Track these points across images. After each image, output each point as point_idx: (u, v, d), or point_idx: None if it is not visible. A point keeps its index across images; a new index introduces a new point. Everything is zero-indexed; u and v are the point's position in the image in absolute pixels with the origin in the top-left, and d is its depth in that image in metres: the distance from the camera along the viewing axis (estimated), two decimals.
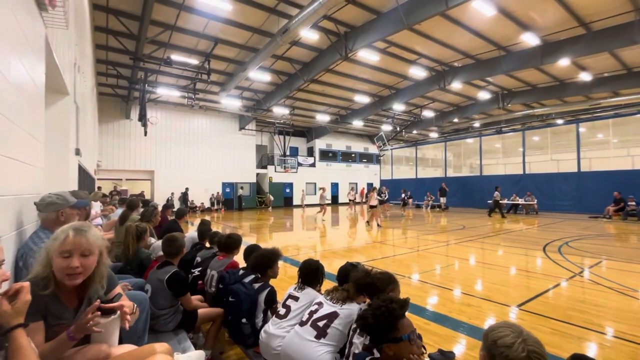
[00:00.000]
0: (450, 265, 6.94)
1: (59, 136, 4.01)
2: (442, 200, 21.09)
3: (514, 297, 4.58)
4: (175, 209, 6.61)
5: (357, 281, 1.94)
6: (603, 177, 16.11)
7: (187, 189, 20.84)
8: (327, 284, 2.58)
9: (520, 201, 18.05)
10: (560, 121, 20.68)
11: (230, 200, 23.55)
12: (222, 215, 19.79)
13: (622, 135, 17.70)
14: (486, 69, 15.42)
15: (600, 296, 4.57)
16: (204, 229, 3.97)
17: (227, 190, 23.53)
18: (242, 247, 3.39)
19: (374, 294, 1.87)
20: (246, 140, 24.27)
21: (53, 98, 3.97)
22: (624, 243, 9.83)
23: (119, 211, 5.32)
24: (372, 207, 13.04)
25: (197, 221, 8.75)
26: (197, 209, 21.36)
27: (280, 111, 20.91)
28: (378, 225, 12.12)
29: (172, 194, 20.51)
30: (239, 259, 3.25)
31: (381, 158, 30.17)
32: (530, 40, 12.44)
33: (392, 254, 7.96)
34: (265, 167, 25.71)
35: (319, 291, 2.45)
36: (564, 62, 13.55)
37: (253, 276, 2.62)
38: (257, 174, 25.71)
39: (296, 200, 24.97)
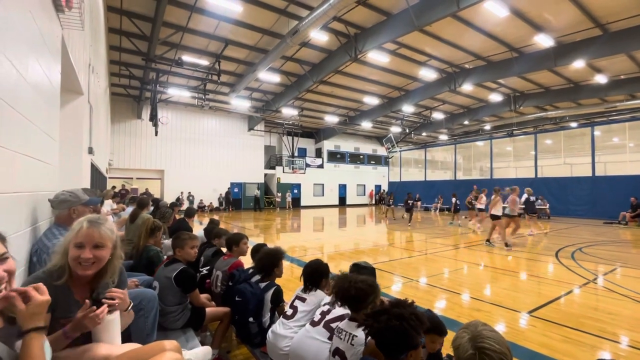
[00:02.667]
0: (459, 269, 6.86)
1: (73, 135, 4.09)
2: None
3: (525, 303, 4.49)
4: (184, 208, 6.70)
5: (336, 293, 1.88)
6: (619, 182, 15.71)
7: (190, 193, 21.09)
8: None
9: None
10: (574, 124, 20.25)
11: (239, 200, 23.69)
12: (230, 214, 19.93)
13: (639, 139, 17.24)
14: (498, 71, 15.22)
15: (615, 304, 4.46)
16: (212, 228, 4.00)
17: (236, 190, 23.68)
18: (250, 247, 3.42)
19: (354, 304, 1.80)
20: (255, 141, 24.40)
21: (68, 97, 4.06)
22: (638, 250, 9.57)
23: (130, 209, 5.40)
24: (494, 217, 8.86)
25: (206, 220, 8.82)
26: (206, 208, 21.54)
27: (289, 112, 20.97)
28: (507, 245, 8.46)
29: (182, 193, 20.74)
30: (248, 258, 3.27)
31: (390, 160, 30.02)
32: (544, 41, 12.23)
33: (399, 257, 7.90)
34: (273, 168, 25.77)
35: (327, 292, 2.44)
36: (578, 64, 13.28)
37: (259, 275, 2.63)
38: (266, 175, 25.80)
39: (304, 201, 25.04)
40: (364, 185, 31.15)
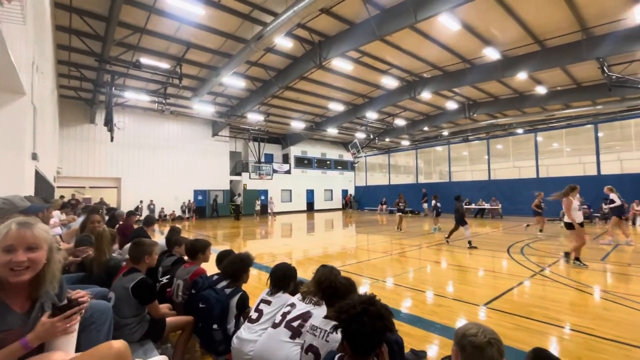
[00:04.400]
0: (422, 268, 7.16)
1: (13, 139, 3.72)
2: (424, 206, 21.52)
3: (482, 296, 4.79)
4: (143, 217, 6.33)
5: (319, 281, 1.91)
6: (559, 183, 17.23)
7: (151, 201, 20.10)
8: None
9: (486, 206, 18.98)
10: (520, 130, 22.06)
11: (203, 208, 22.93)
12: (193, 223, 19.25)
13: (574, 144, 19.23)
14: (453, 80, 16.18)
15: (558, 292, 4.90)
16: (172, 236, 3.83)
17: (200, 197, 22.91)
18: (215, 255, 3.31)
19: (334, 299, 1.81)
20: (219, 147, 23.85)
21: (7, 97, 3.70)
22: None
23: (81, 220, 5.00)
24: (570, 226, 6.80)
25: (168, 229, 8.46)
26: (168, 217, 20.59)
27: (254, 117, 20.72)
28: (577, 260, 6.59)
29: (141, 202, 19.64)
30: (212, 265, 3.16)
31: (356, 165, 30.67)
32: (491, 54, 13.26)
33: (367, 258, 8.06)
34: (239, 174, 25.27)
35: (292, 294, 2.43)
36: (522, 76, 14.53)
37: (226, 282, 2.56)
38: (231, 181, 25.24)
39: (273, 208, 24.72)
40: (331, 190, 31.47)
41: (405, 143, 29.10)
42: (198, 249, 3.08)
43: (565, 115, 19.41)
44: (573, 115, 19.02)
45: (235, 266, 2.58)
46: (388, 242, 10.74)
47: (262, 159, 24.60)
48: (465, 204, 19.66)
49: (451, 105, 20.50)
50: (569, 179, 16.99)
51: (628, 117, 16.94)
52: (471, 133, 23.67)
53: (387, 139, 28.49)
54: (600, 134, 17.17)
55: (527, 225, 13.37)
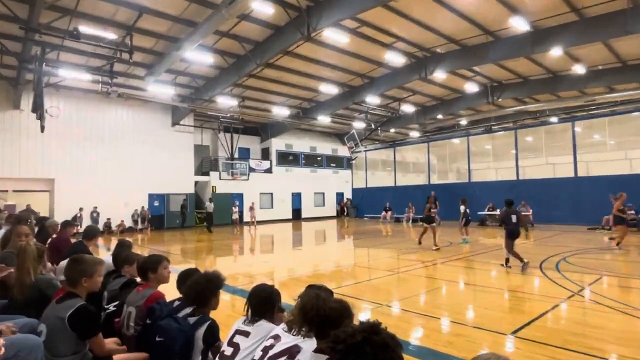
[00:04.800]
0: (436, 289, 7.22)
1: None
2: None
3: (508, 323, 4.87)
4: (83, 229, 6.23)
5: (303, 308, 1.89)
6: (600, 183, 17.71)
7: (95, 209, 19.74)
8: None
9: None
10: (554, 119, 22.51)
11: (160, 217, 22.68)
12: (148, 236, 19.06)
13: (619, 136, 19.70)
14: (473, 57, 16.36)
15: (601, 317, 5.01)
16: (121, 252, 3.78)
17: (156, 204, 22.64)
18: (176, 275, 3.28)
19: (325, 329, 1.77)
20: (181, 139, 23.63)
21: None
22: (624, 257, 10.87)
23: (3, 232, 4.89)
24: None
25: (115, 244, 8.37)
26: (115, 229, 20.30)
27: (226, 102, 20.54)
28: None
29: (81, 209, 19.30)
30: (171, 288, 3.13)
31: (353, 162, 30.78)
32: (519, 25, 13.49)
33: (368, 278, 8.10)
34: (207, 174, 25.04)
35: (276, 323, 2.42)
36: (556, 52, 14.82)
37: (190, 308, 2.54)
38: (197, 183, 25.03)
39: (247, 215, 24.52)
40: (323, 193, 31.47)
41: (415, 134, 29.34)
42: (153, 267, 3.05)
43: (609, 101, 19.85)
44: (618, 100, 19.47)
45: (201, 288, 2.55)
46: (394, 257, 10.81)
47: (236, 155, 24.43)
48: (489, 209, 19.97)
49: (471, 87, 20.77)
50: (613, 179, 17.46)
51: None
52: (495, 122, 24.05)
53: (392, 130, 28.69)
54: None
55: (610, 239, 12.28)
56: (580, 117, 20.94)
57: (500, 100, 21.89)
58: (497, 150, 24.29)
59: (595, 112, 20.98)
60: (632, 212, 15.48)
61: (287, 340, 2.00)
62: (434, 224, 12.26)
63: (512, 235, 8.38)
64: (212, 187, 24.76)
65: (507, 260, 8.39)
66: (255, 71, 17.42)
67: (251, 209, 23.00)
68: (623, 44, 15.02)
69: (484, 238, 13.50)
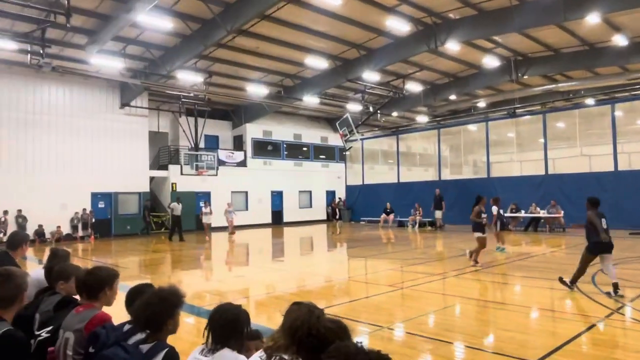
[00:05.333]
0: (448, 307, 7.29)
1: None
2: (437, 214, 22.00)
3: (536, 347, 4.94)
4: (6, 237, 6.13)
5: (293, 328, 1.90)
6: None
7: (20, 212, 19.38)
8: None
9: (543, 214, 19.58)
10: (591, 101, 22.87)
11: (106, 221, 22.41)
12: (92, 245, 18.78)
13: None
14: (493, 24, 16.49)
15: None
16: (55, 264, 3.71)
17: (101, 205, 22.38)
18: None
19: (316, 355, 1.79)
20: (133, 125, 23.35)
21: None
22: None
23: None
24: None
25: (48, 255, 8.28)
26: (50, 237, 20.01)
27: (189, 79, 20.34)
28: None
29: (5, 212, 18.98)
30: (119, 309, 3.10)
31: (347, 153, 30.79)
32: None
33: (365, 295, 8.13)
34: (165, 168, 24.84)
35: (243, 351, 2.41)
36: (593, 19, 15.04)
37: (142, 334, 2.50)
38: (152, 179, 24.81)
39: (216, 219, 24.31)
40: (310, 192, 31.48)
41: (423, 120, 29.49)
42: (98, 284, 2.99)
43: None
44: None
45: (155, 308, 2.50)
46: (396, 270, 10.87)
47: (202, 144, 24.27)
48: (512, 211, 20.22)
49: (490, 61, 20.94)
50: None
51: None
52: (519, 104, 24.29)
53: (395, 114, 28.76)
54: None
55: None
56: (621, 99, 21.26)
57: (525, 77, 22.09)
58: (522, 138, 24.54)
59: (639, 92, 21.31)
60: None
61: None
62: (485, 234, 10.96)
63: (599, 249, 7.54)
64: (172, 184, 24.56)
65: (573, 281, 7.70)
66: (225, 40, 17.28)
67: (228, 211, 21.87)
68: None
69: (506, 245, 13.68)
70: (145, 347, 2.42)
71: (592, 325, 5.71)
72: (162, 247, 17.83)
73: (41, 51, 15.48)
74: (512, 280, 9.16)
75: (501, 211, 13.78)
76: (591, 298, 7.03)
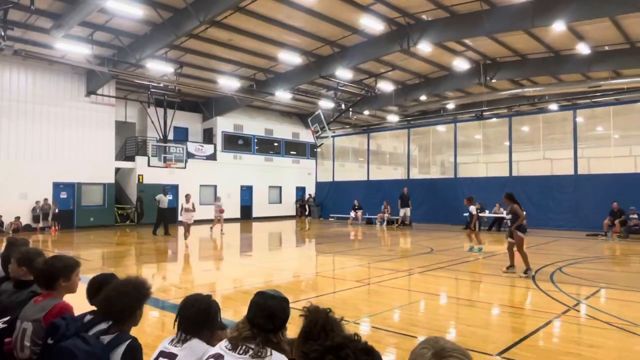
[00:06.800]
0: (413, 303, 7.45)
1: None
2: (403, 212, 22.32)
3: (497, 342, 5.11)
4: None
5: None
6: (602, 182, 18.87)
7: None
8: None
9: (506, 214, 20.09)
10: (554, 106, 23.65)
11: (69, 212, 21.79)
12: (53, 237, 18.28)
13: (624, 129, 21.03)
14: (465, 27, 16.82)
15: (598, 334, 5.38)
16: (12, 252, 3.59)
17: (63, 196, 21.75)
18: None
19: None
20: (99, 114, 22.77)
21: None
22: (624, 267, 11.72)
23: None
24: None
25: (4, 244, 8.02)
26: (7, 227, 19.30)
27: (159, 69, 19.97)
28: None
29: None
30: (82, 299, 3.02)
31: (318, 150, 30.86)
32: None
33: (332, 290, 8.19)
34: (131, 159, 24.45)
35: (214, 342, 2.39)
36: (559, 27, 15.55)
37: (104, 325, 2.45)
38: (118, 170, 24.32)
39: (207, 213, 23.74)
40: (280, 187, 31.48)
41: (393, 119, 29.84)
42: (57, 273, 2.91)
43: (614, 87, 21.10)
44: (624, 87, 20.73)
45: (129, 298, 2.47)
46: (364, 266, 10.99)
47: (171, 136, 23.89)
48: (477, 210, 20.67)
49: (460, 64, 21.36)
50: (616, 178, 18.63)
51: None
52: (487, 107, 24.91)
53: (367, 112, 29.01)
54: None
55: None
56: (582, 106, 22.11)
57: (494, 81, 22.66)
58: (489, 140, 25.19)
59: (599, 100, 22.18)
60: (635, 216, 16.62)
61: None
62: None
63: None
64: (139, 176, 24.17)
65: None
66: (197, 30, 17.07)
67: (217, 206, 19.52)
68: (633, 22, 15.97)
69: (470, 244, 14.03)
70: (106, 338, 2.37)
71: (549, 321, 5.92)
72: (126, 240, 17.45)
73: (2, 33, 14.94)
74: (475, 277, 9.40)
75: (478, 211, 14.00)
76: (549, 295, 7.30)
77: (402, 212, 22.34)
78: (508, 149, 22.79)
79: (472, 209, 13.62)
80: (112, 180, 23.58)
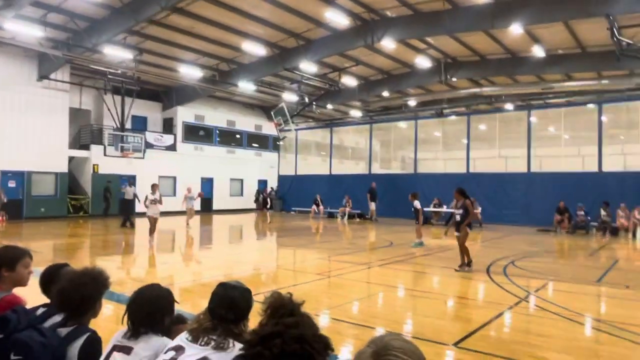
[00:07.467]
0: (373, 295, 7.59)
1: None
2: (372, 207, 22.44)
3: (452, 332, 5.27)
4: None
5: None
6: (553, 180, 19.77)
7: None
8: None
9: (454, 209, 20.72)
10: (510, 106, 24.52)
11: (17, 202, 20.85)
12: (2, 227, 17.57)
13: (574, 130, 22.11)
14: (427, 26, 17.17)
15: (546, 324, 5.65)
16: None
17: (12, 185, 20.82)
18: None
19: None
20: (52, 100, 21.91)
21: None
22: (570, 260, 12.39)
23: None
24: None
25: None
26: None
27: (117, 54, 19.40)
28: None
29: None
30: (35, 291, 2.90)
31: (281, 143, 30.74)
32: None
33: (293, 283, 8.21)
34: (86, 148, 23.74)
35: (171, 335, 2.35)
36: (516, 29, 16.15)
37: (60, 317, 2.36)
38: (72, 159, 23.49)
39: (140, 204, 23.32)
40: (242, 180, 31.25)
41: (356, 114, 30.09)
42: (9, 263, 2.79)
43: (566, 90, 22.12)
44: (575, 89, 21.77)
45: (89, 288, 2.39)
46: (324, 259, 11.06)
47: (128, 125, 23.24)
48: (435, 205, 21.28)
49: (422, 62, 21.77)
50: (565, 176, 19.56)
51: (635, 97, 19.98)
52: (447, 105, 25.52)
53: (330, 106, 29.08)
54: (603, 118, 20.01)
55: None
56: (536, 107, 23.05)
57: (454, 80, 23.23)
58: (448, 138, 25.84)
59: (551, 101, 23.20)
60: (582, 212, 17.52)
61: (194, 351, 1.97)
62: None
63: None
64: (94, 165, 23.49)
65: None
66: (159, 16, 16.69)
67: (187, 198, 19.44)
68: (585, 27, 16.76)
69: (429, 238, 14.39)
70: (64, 331, 2.29)
71: (502, 312, 6.16)
72: (79, 232, 16.84)
73: None
74: (432, 270, 9.64)
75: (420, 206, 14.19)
76: (502, 287, 7.59)
77: (371, 206, 22.51)
78: (466, 146, 23.46)
79: (417, 203, 13.89)
80: (65, 170, 22.76)
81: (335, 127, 30.01)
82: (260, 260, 11.58)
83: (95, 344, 2.32)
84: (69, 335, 2.27)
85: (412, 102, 27.44)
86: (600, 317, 6.21)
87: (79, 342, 2.26)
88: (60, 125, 22.44)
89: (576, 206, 17.66)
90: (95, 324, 2.59)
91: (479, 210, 20.16)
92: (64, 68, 21.70)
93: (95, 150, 23.42)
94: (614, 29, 14.48)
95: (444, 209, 21.24)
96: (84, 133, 24.60)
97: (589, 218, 17.73)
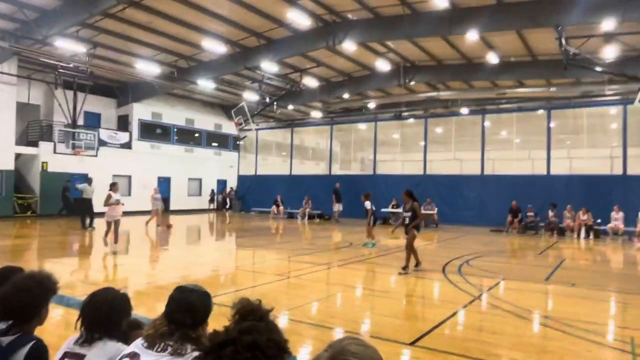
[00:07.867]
0: (332, 295, 7.63)
1: None
2: (337, 207, 22.44)
3: (408, 331, 5.39)
4: None
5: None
6: (505, 183, 20.59)
7: None
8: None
9: (403, 211, 21.22)
10: (465, 110, 25.34)
11: None
12: None
13: (525, 134, 23.15)
14: (387, 29, 17.48)
15: (498, 322, 5.88)
16: None
17: None
18: None
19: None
20: None
21: None
22: (521, 260, 12.94)
23: None
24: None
25: None
26: None
27: (69, 47, 18.74)
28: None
29: None
30: None
31: (241, 143, 30.46)
32: (439, 0, 14.89)
33: (252, 284, 8.14)
34: (35, 145, 22.72)
35: (127, 342, 2.28)
36: (472, 36, 16.69)
37: (3, 324, 2.24)
38: (19, 156, 22.38)
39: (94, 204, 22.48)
40: (201, 180, 30.74)
41: (317, 115, 30.19)
42: None
43: (517, 96, 23.08)
44: (526, 96, 22.78)
45: (33, 294, 2.27)
46: (284, 260, 11.04)
47: (81, 121, 22.40)
48: (393, 207, 21.65)
49: (382, 65, 22.11)
50: (516, 179, 20.42)
51: (581, 105, 21.16)
52: (406, 108, 26.04)
53: (291, 107, 29.07)
54: (552, 124, 21.05)
55: None
56: (490, 111, 23.94)
57: (412, 83, 23.72)
58: (406, 140, 26.43)
59: (504, 106, 24.19)
60: (532, 213, 18.34)
61: (150, 358, 1.90)
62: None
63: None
64: (42, 163, 22.48)
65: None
66: (114, 10, 16.20)
67: (155, 198, 18.69)
68: (536, 36, 17.53)
69: (386, 238, 14.61)
70: (5, 340, 2.16)
71: (457, 311, 6.34)
72: (27, 232, 16.03)
73: None
74: (390, 270, 9.78)
75: (374, 207, 14.36)
76: (457, 286, 7.81)
77: (336, 207, 22.46)
78: (423, 148, 24.08)
79: (367, 204, 14.12)
80: (12, 167, 21.63)
81: (296, 127, 30.03)
82: (218, 262, 11.42)
83: (40, 353, 2.21)
84: (12, 344, 2.16)
85: (371, 105, 27.81)
86: (548, 314, 6.51)
87: (23, 351, 2.15)
88: (7, 121, 21.32)
89: (526, 207, 18.48)
90: (43, 328, 2.48)
91: (435, 211, 20.73)
92: (10, 60, 20.65)
93: (45, 147, 22.39)
94: (562, 39, 15.25)
95: (401, 210, 21.65)
96: (33, 129, 23.47)
97: (538, 219, 18.59)
